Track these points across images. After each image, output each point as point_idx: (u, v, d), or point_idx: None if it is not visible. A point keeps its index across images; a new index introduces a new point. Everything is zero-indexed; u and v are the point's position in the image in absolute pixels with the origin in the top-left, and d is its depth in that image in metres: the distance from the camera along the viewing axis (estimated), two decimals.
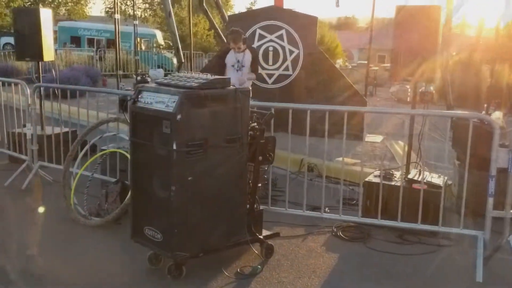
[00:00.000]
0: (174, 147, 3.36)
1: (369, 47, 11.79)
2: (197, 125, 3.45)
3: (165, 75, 22.77)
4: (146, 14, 43.76)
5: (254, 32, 8.95)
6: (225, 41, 8.03)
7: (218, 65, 6.59)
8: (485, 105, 10.67)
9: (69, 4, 41.40)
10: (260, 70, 9.10)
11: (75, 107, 6.92)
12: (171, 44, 30.84)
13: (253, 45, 9.07)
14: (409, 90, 15.11)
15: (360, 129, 8.17)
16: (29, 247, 4.23)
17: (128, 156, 4.92)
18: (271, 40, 8.94)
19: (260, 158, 3.90)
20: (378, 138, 9.03)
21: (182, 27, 27.78)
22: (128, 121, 3.75)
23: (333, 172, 6.31)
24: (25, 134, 6.22)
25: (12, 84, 6.33)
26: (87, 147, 5.27)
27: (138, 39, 28.48)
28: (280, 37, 8.88)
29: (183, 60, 12.26)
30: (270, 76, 9.02)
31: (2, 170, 6.63)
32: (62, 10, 42.64)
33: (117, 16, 10.67)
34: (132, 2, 41.02)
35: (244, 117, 3.73)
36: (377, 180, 4.93)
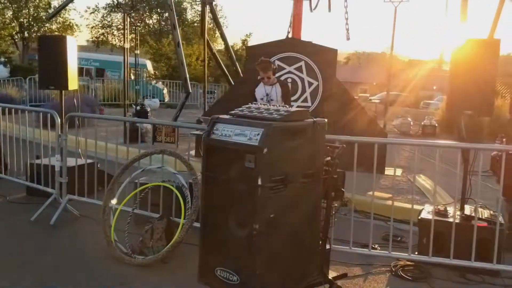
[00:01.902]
0: (259, 182, 3.15)
1: (388, 82, 11.80)
2: (279, 159, 3.26)
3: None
4: (132, 44, 43.76)
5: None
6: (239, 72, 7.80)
7: (251, 98, 6.38)
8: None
9: (55, 33, 41.13)
10: None
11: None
12: (156, 74, 30.81)
13: None
14: (411, 122, 15.19)
15: (381, 162, 8.06)
16: None
17: (175, 190, 4.73)
18: (289, 72, 8.85)
19: (333, 194, 3.72)
20: (397, 171, 8.92)
21: (176, 57, 27.74)
22: (201, 153, 3.53)
23: (366, 206, 6.15)
24: (49, 166, 5.96)
25: (40, 114, 6.05)
26: (126, 181, 5.00)
27: (128, 68, 28.41)
28: (299, 68, 8.80)
29: (190, 91, 12.08)
30: None
31: (20, 203, 6.30)
32: None
33: (127, 45, 10.50)
34: (133, 32, 41.15)
35: (320, 151, 3.56)
36: (430, 216, 4.78)
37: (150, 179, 5.03)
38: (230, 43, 25.34)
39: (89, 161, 6.28)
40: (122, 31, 43.13)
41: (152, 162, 5.16)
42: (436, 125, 14.38)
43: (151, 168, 4.95)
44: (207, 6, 12.22)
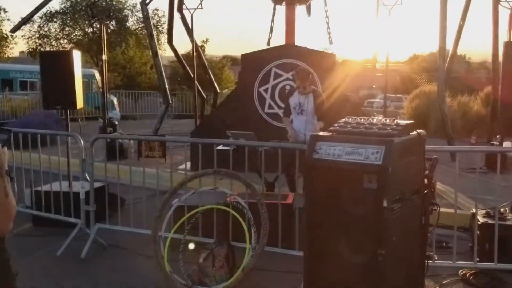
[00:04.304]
0: (385, 204, 2.93)
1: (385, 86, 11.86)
2: (399, 177, 3.06)
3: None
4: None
5: (270, 70, 8.64)
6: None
7: (286, 108, 6.22)
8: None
9: None
10: (277, 109, 8.81)
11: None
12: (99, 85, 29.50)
13: (267, 84, 8.78)
14: None
15: None
16: None
17: (233, 212, 4.41)
18: (287, 79, 8.62)
19: (431, 209, 3.56)
20: None
21: (131, 66, 26.75)
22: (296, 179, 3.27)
23: None
24: (53, 193, 5.54)
25: (58, 137, 5.51)
26: (174, 206, 4.62)
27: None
28: None
29: (170, 102, 11.61)
30: None
31: (31, 235, 5.71)
32: None
33: (104, 57, 9.93)
34: (73, 42, 39.00)
35: (423, 164, 3.40)
36: (491, 221, 4.73)
37: (200, 201, 4.66)
38: (186, 50, 24.80)
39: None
40: (60, 41, 41.22)
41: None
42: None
43: (204, 190, 4.58)
44: (178, 13, 11.82)
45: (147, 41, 36.53)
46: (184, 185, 4.54)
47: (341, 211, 3.12)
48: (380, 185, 2.94)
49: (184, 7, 10.30)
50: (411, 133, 3.29)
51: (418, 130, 3.37)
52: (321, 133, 3.31)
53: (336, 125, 3.36)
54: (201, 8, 9.66)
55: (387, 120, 3.30)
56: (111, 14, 27.54)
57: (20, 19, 12.44)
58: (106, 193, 5.32)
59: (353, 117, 3.51)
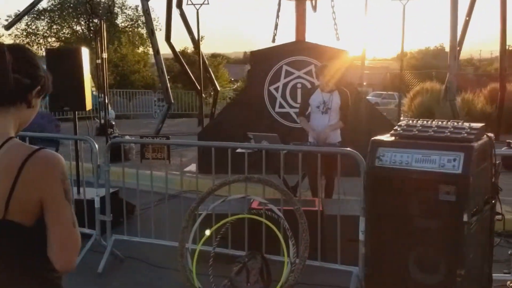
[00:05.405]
0: (465, 218, 2.60)
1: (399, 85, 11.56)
2: (476, 187, 2.74)
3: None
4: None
5: (281, 68, 8.27)
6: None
7: (303, 107, 5.86)
8: None
9: None
10: (288, 109, 8.46)
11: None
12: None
13: (278, 83, 8.43)
14: None
15: None
16: None
17: (268, 223, 4.06)
18: (299, 77, 8.30)
19: (497, 218, 3.24)
20: None
21: (123, 64, 26.19)
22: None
23: None
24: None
25: (70, 142, 5.11)
26: (202, 216, 4.25)
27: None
28: (309, 73, 8.26)
29: (172, 101, 11.21)
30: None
31: None
32: None
33: (105, 55, 9.51)
34: (61, 40, 38.38)
35: (492, 171, 3.08)
36: None
37: (229, 209, 4.30)
38: (181, 47, 24.36)
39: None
40: (48, 39, 40.48)
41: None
42: None
43: (233, 198, 4.21)
44: (178, 10, 11.44)
45: (138, 39, 36.17)
46: (212, 193, 4.17)
47: (409, 225, 2.80)
48: (460, 197, 2.61)
49: (189, 2, 9.88)
50: (483, 137, 2.97)
51: (488, 134, 3.05)
52: (384, 138, 2.96)
53: (398, 128, 3.02)
54: (208, 3, 9.25)
55: (457, 123, 2.96)
56: (109, 12, 27.03)
57: (14, 16, 11.94)
58: (124, 201, 4.92)
59: (413, 119, 3.17)
